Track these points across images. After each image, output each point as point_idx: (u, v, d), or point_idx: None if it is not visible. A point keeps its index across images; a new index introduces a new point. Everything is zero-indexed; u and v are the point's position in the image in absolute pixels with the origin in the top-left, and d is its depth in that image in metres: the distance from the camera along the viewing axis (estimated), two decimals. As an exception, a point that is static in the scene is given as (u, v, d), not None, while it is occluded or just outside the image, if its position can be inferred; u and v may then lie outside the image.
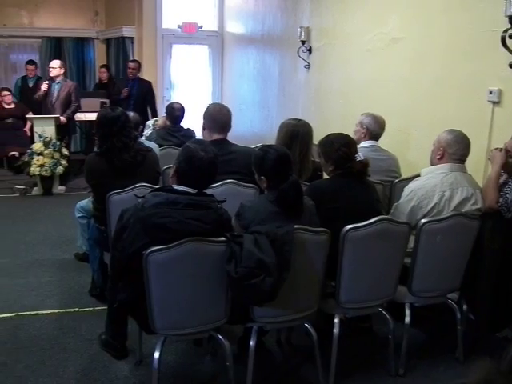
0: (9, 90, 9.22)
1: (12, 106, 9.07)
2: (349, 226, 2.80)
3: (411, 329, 3.22)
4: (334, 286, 2.96)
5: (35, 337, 3.53)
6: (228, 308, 2.70)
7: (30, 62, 9.50)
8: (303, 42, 6.24)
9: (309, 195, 2.96)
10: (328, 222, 2.85)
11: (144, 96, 8.39)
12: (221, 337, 2.78)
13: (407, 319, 3.17)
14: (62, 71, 7.75)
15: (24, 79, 9.43)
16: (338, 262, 2.86)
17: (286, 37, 6.89)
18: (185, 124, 5.25)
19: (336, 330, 2.98)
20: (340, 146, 3.09)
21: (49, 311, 3.90)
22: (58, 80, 7.64)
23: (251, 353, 2.83)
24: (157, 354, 2.67)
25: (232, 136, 3.68)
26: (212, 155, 2.61)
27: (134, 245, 2.50)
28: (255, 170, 2.91)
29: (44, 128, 7.29)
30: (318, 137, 3.46)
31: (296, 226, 2.61)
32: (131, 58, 9.44)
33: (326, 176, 3.36)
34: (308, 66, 6.31)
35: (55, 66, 7.68)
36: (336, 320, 3.00)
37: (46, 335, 3.55)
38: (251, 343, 2.82)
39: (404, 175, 4.04)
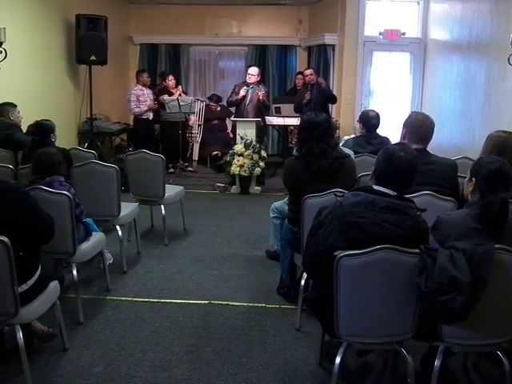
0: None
1: (218, 108, 9.80)
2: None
3: None
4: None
5: (224, 325, 3.76)
6: (416, 322, 2.61)
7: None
8: (515, 49, 5.80)
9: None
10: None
11: (324, 100, 8.51)
12: (405, 352, 2.69)
13: None
14: (259, 78, 8.28)
15: None
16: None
17: (496, 43, 6.45)
18: (381, 132, 5.19)
19: (532, 363, 2.72)
20: None
21: (238, 303, 4.11)
22: (252, 85, 8.11)
23: (435, 373, 2.70)
24: (338, 359, 2.67)
25: (429, 145, 3.55)
26: (412, 156, 2.57)
27: (328, 241, 2.54)
28: (470, 170, 2.76)
29: (246, 130, 7.75)
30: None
31: (497, 246, 2.43)
32: (332, 65, 9.63)
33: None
34: (519, 75, 5.85)
35: (254, 74, 8.19)
36: (533, 352, 2.75)
37: (234, 325, 3.76)
38: (436, 363, 2.70)
39: None
